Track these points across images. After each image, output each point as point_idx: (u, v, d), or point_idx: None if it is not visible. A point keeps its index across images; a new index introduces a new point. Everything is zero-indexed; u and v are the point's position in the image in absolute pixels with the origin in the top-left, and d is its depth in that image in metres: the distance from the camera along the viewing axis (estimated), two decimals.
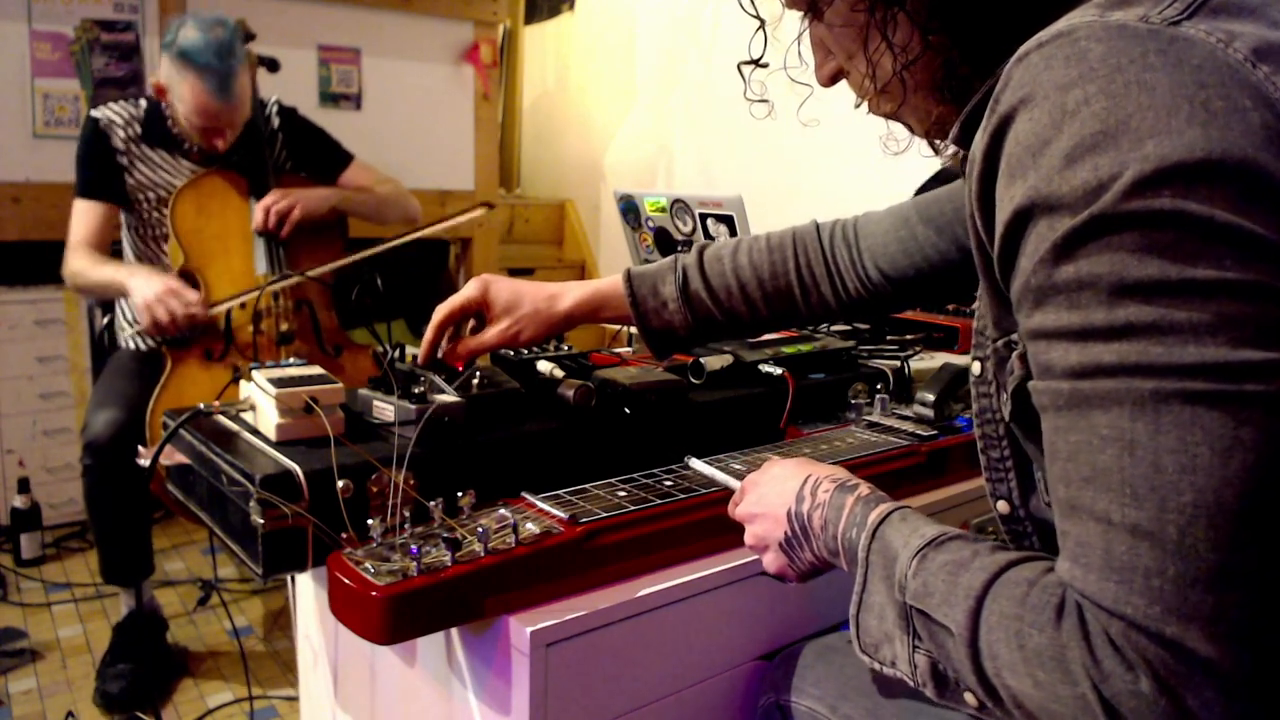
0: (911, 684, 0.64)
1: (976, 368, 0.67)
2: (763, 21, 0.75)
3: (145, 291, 1.80)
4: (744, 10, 0.73)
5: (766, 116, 0.82)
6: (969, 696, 0.60)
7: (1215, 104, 0.49)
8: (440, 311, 1.07)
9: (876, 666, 0.67)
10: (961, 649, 0.57)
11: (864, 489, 0.73)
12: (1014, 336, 0.62)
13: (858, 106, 0.76)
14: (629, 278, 1.07)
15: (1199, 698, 0.48)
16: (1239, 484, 0.48)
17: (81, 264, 1.97)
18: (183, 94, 1.90)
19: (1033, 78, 0.54)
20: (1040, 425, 0.57)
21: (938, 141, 0.72)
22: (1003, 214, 0.56)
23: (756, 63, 0.78)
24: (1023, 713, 0.55)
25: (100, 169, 2.01)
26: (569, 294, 1.07)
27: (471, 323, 1.10)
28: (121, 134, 2.02)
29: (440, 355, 1.07)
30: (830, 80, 0.75)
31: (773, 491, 0.80)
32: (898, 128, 0.76)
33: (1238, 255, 0.48)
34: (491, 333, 1.06)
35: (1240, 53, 0.51)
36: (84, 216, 2.01)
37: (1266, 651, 0.49)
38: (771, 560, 0.80)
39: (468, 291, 1.07)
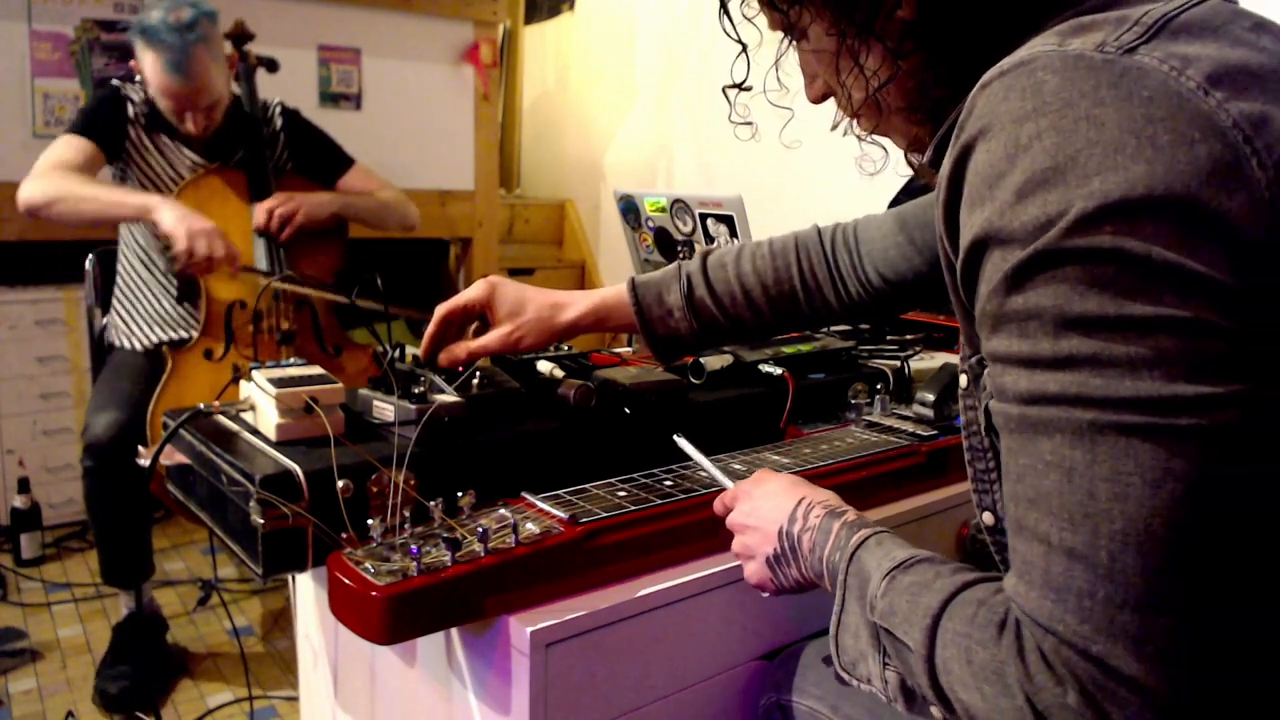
0: (885, 699, 0.67)
1: (964, 380, 0.69)
2: (744, 45, 0.77)
3: (190, 221, 1.78)
4: (727, 35, 0.75)
5: (751, 139, 0.83)
6: (934, 710, 0.62)
7: (1162, 138, 0.50)
8: (443, 309, 1.07)
9: (854, 683, 0.70)
10: (920, 665, 0.60)
11: (850, 515, 0.76)
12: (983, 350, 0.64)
13: (834, 128, 0.78)
14: (634, 287, 1.07)
15: (1123, 712, 0.50)
16: (1168, 513, 0.49)
17: (71, 177, 1.84)
18: (145, 73, 1.91)
19: (992, 108, 0.55)
20: None
21: (915, 159, 0.73)
22: (964, 240, 0.57)
23: (740, 86, 0.79)
24: None
25: (105, 118, 2.00)
26: (574, 304, 1.08)
27: (475, 324, 1.10)
28: (134, 110, 2.02)
29: (439, 356, 1.07)
30: (819, 98, 0.77)
31: (765, 506, 0.81)
32: (872, 149, 0.78)
33: (1175, 292, 0.49)
34: (493, 336, 1.06)
35: (1193, 80, 0.52)
36: (69, 146, 1.92)
37: (1201, 673, 0.50)
38: (754, 571, 0.81)
39: (473, 292, 1.07)
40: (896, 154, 0.79)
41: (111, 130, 2.00)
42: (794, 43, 0.74)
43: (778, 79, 0.77)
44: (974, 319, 0.60)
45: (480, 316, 1.09)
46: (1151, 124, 0.50)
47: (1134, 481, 0.50)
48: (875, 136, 0.76)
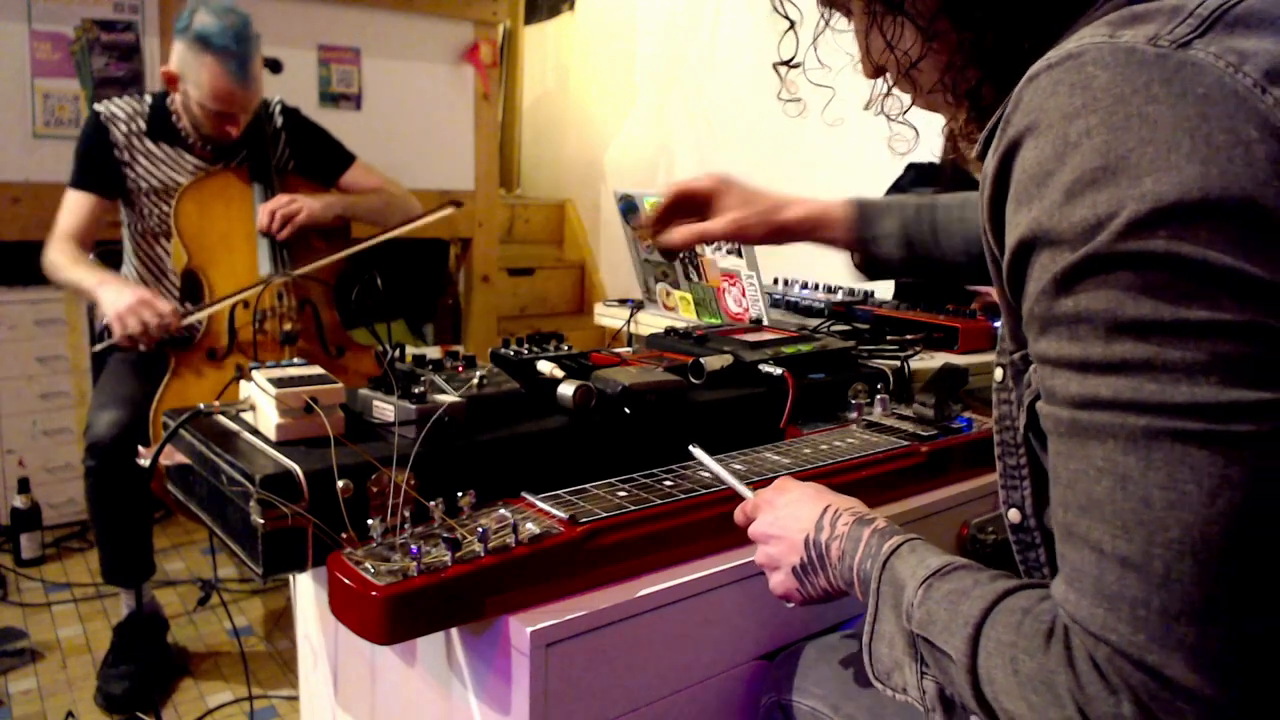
0: (921, 709, 0.66)
1: (999, 374, 0.68)
2: (793, 22, 0.77)
3: (116, 303, 1.79)
4: (776, 11, 0.76)
5: (799, 115, 0.85)
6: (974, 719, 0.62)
7: (1218, 138, 0.49)
8: (675, 187, 1.12)
9: (889, 693, 0.69)
10: (962, 674, 0.59)
11: (880, 522, 0.75)
12: (1028, 351, 0.63)
13: (867, 107, 0.78)
14: (858, 205, 1.12)
15: None
16: (1225, 521, 0.48)
17: (59, 258, 1.95)
18: (200, 79, 1.90)
19: (1039, 103, 0.54)
20: None
21: (965, 147, 0.72)
22: (1010, 239, 0.56)
23: (789, 63, 0.80)
24: None
25: (96, 161, 2.01)
26: (795, 206, 1.12)
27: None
28: (123, 128, 2.02)
29: (657, 238, 1.12)
30: (873, 73, 0.76)
31: (789, 515, 0.80)
32: (902, 128, 0.78)
33: (1232, 296, 0.48)
34: (721, 221, 1.10)
35: (1250, 78, 0.50)
36: (73, 207, 2.00)
37: (1255, 682, 0.49)
38: (780, 582, 0.80)
39: (703, 181, 1.11)
40: (927, 135, 0.79)
41: (103, 172, 2.01)
42: (835, 20, 0.75)
43: (817, 59, 0.78)
44: (1019, 315, 0.59)
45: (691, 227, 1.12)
46: (1206, 123, 0.49)
47: (1190, 489, 0.49)
48: (901, 117, 0.77)
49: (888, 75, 0.74)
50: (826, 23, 0.75)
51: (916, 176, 2.13)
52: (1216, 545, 0.48)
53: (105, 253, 2.19)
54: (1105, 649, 0.51)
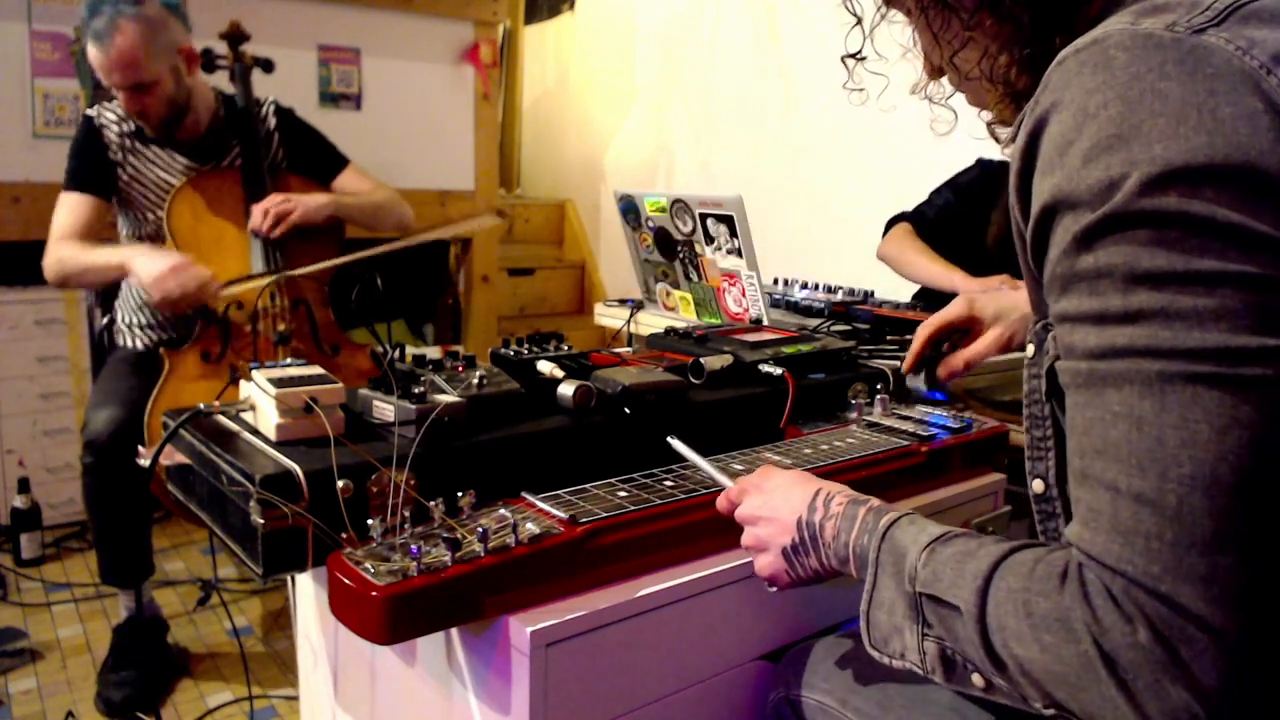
0: (920, 671, 0.67)
1: (1030, 348, 0.72)
2: (859, 19, 0.80)
3: (152, 267, 1.78)
4: (846, 9, 0.79)
5: (862, 104, 0.88)
6: (975, 677, 0.64)
7: (1224, 111, 0.53)
8: (926, 329, 1.19)
9: (886, 660, 0.71)
10: (970, 625, 0.61)
11: (874, 501, 0.78)
12: (1050, 319, 0.66)
13: (914, 91, 0.82)
14: None
15: (1191, 649, 0.52)
16: (1235, 459, 0.52)
17: (66, 252, 1.94)
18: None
19: (1065, 82, 0.59)
20: None
21: (1002, 133, 0.76)
22: (1034, 206, 0.61)
23: (855, 56, 0.83)
24: (1029, 679, 0.59)
25: (90, 162, 2.00)
26: None
27: (946, 345, 1.20)
28: (115, 130, 2.02)
29: (938, 371, 1.18)
30: (934, 73, 0.80)
31: (779, 498, 0.82)
32: (943, 111, 0.82)
33: (1240, 248, 0.52)
34: (987, 342, 1.16)
35: (1258, 60, 0.55)
36: (71, 208, 1.99)
37: (1261, 612, 0.52)
38: (768, 564, 0.82)
39: (953, 310, 1.18)
40: (965, 118, 0.83)
41: (98, 172, 2.01)
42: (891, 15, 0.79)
43: (874, 50, 0.82)
44: (1041, 282, 0.62)
45: (956, 335, 1.18)
46: (1214, 97, 0.54)
47: (1201, 428, 0.52)
48: (945, 101, 0.82)
49: (943, 66, 0.78)
50: (882, 16, 0.79)
51: (982, 175, 2.10)
52: (1226, 481, 0.52)
53: None
54: (1121, 580, 0.54)
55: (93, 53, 1.87)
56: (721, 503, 0.88)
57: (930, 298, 2.06)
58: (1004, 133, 0.74)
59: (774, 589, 0.83)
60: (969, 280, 1.84)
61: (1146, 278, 0.54)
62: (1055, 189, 0.58)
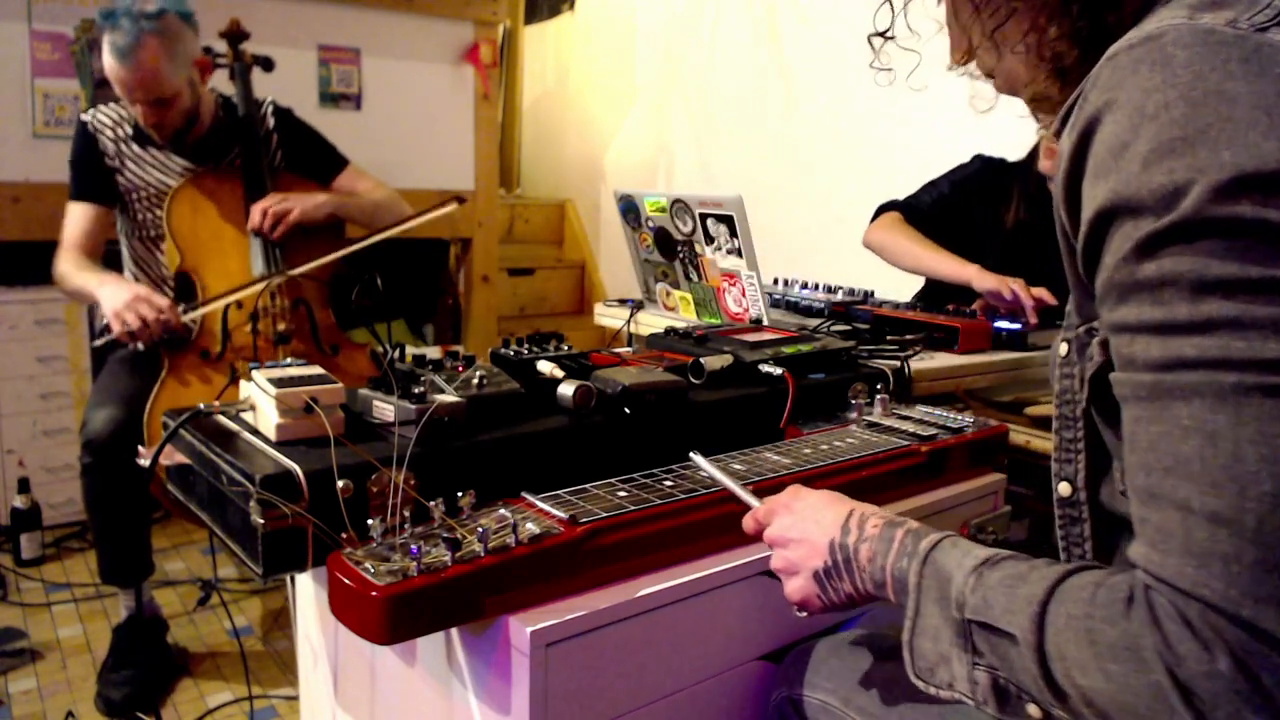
0: (971, 703, 0.64)
1: (1064, 349, 0.69)
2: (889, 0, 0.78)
3: (114, 300, 1.80)
4: None
5: (889, 84, 0.85)
6: (1032, 708, 0.61)
7: None
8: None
9: (932, 690, 0.67)
10: (1027, 654, 0.58)
11: (912, 523, 0.74)
12: (1095, 324, 0.65)
13: (950, 69, 0.78)
14: None
15: (1276, 677, 0.49)
16: None
17: (65, 268, 1.98)
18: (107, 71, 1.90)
19: (1119, 81, 0.56)
20: (1120, 414, 0.58)
21: (1043, 119, 0.73)
22: (1088, 211, 0.58)
23: (884, 34, 0.81)
24: (1093, 710, 0.55)
25: (90, 171, 2.01)
26: None
27: None
28: (110, 134, 2.02)
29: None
30: (964, 57, 0.77)
31: (810, 520, 0.79)
32: (985, 87, 0.79)
33: None
34: None
35: None
36: (75, 218, 2.02)
37: None
38: (800, 588, 0.78)
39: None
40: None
41: (98, 180, 2.02)
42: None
43: (908, 25, 0.79)
44: (1090, 290, 0.60)
45: None
46: None
47: None
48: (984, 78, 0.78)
49: (975, 46, 0.75)
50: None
51: (983, 170, 2.05)
52: None
53: (104, 254, 2.19)
54: (1197, 605, 0.51)
55: (113, 68, 1.87)
56: (748, 523, 0.85)
57: (933, 297, 2.06)
58: (1044, 119, 0.71)
59: (804, 614, 0.79)
60: (984, 275, 1.78)
61: (1218, 285, 0.51)
62: (1112, 193, 0.55)
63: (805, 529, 0.78)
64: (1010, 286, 1.73)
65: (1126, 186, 0.54)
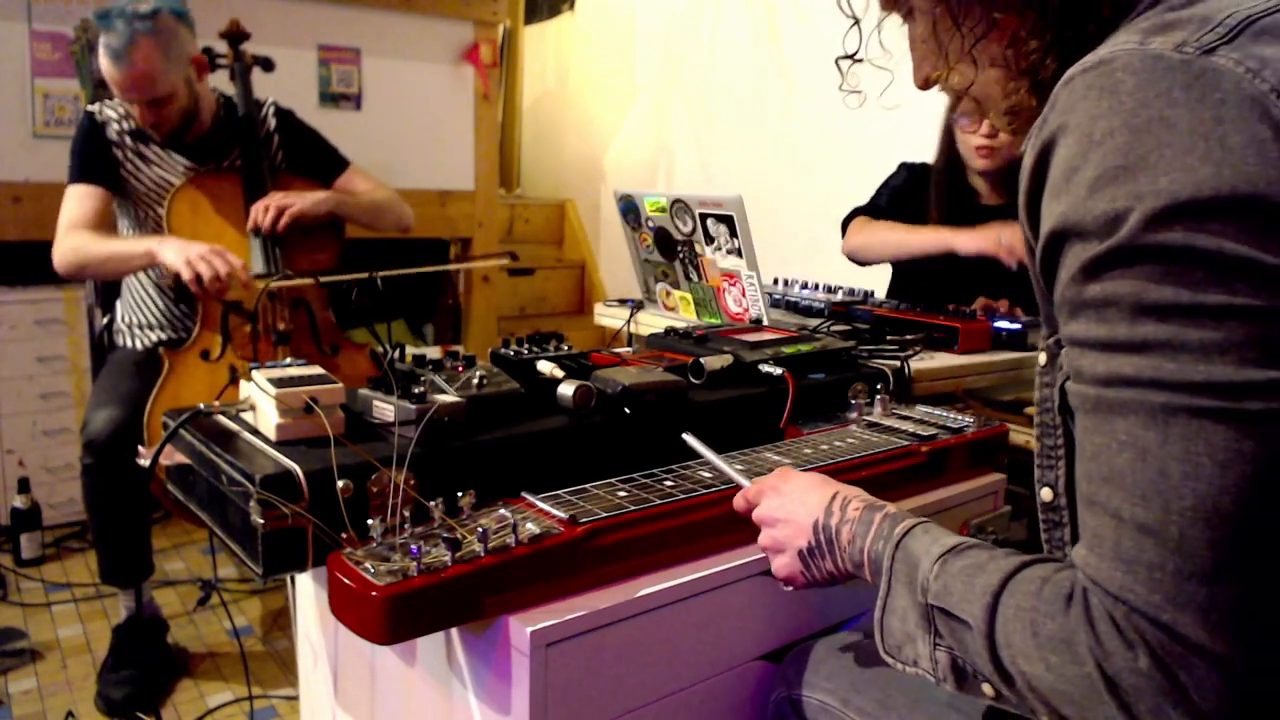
0: (932, 679, 0.68)
1: (1041, 358, 0.72)
2: (857, 20, 0.79)
3: (186, 249, 1.80)
4: (841, 11, 0.77)
5: (860, 106, 0.86)
6: (986, 687, 0.64)
7: (1231, 139, 0.53)
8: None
9: (899, 666, 0.71)
10: (979, 640, 0.62)
11: (890, 508, 0.78)
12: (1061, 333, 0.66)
13: (926, 88, 0.78)
14: None
15: (1191, 676, 0.53)
16: (1236, 492, 0.52)
17: (79, 240, 1.92)
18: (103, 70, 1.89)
19: (1072, 105, 0.58)
20: None
21: (1015, 128, 0.73)
22: (1044, 229, 0.61)
23: (852, 57, 0.82)
24: (1036, 695, 0.59)
25: (95, 156, 2.00)
26: None
27: None
28: (116, 128, 2.02)
29: None
30: (924, 84, 0.77)
31: (797, 501, 0.82)
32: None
33: (1247, 282, 0.52)
34: None
35: (1268, 83, 0.54)
36: (79, 199, 1.98)
37: (1264, 641, 0.53)
38: (784, 565, 0.82)
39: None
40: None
41: (104, 164, 2.00)
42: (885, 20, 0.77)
43: (880, 42, 0.80)
44: (1053, 300, 0.62)
45: None
46: (1221, 125, 0.53)
47: (1204, 462, 0.52)
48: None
49: (953, 63, 0.74)
50: (882, 20, 0.78)
51: (909, 176, 2.12)
52: (1228, 514, 0.52)
53: None
54: (1123, 608, 0.55)
55: (109, 69, 1.87)
56: (738, 502, 0.89)
57: (904, 286, 2.09)
58: (1019, 129, 0.71)
59: (790, 589, 0.84)
60: (965, 237, 1.78)
61: (1153, 309, 0.54)
62: (1062, 216, 0.58)
63: (792, 509, 0.82)
64: (990, 236, 1.73)
65: (1074, 211, 0.57)
